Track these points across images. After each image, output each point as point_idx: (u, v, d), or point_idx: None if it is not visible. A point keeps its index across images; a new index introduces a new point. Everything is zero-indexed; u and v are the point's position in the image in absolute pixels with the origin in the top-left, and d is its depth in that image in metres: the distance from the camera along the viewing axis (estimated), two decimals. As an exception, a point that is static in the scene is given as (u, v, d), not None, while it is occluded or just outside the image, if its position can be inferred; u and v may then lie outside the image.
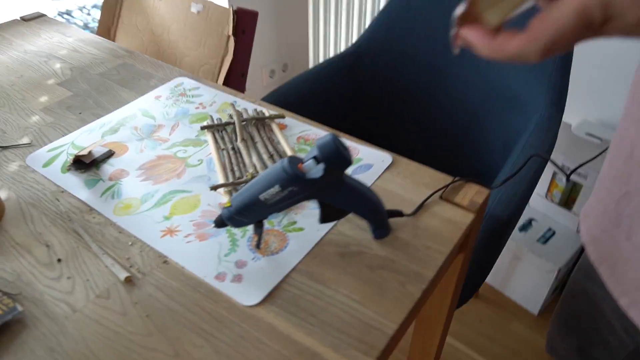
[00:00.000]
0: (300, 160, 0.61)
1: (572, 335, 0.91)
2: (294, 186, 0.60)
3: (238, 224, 0.63)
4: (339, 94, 1.32)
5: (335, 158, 0.58)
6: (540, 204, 1.61)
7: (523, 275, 1.54)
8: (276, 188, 0.60)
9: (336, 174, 0.60)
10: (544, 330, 1.53)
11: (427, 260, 0.65)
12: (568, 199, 1.60)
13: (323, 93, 1.28)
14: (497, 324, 1.55)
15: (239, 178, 0.76)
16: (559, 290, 1.63)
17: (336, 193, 0.63)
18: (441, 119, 1.32)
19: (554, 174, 1.54)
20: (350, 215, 0.71)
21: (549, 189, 1.58)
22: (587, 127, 1.55)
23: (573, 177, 1.50)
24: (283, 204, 0.62)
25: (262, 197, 0.60)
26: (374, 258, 0.66)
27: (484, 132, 1.26)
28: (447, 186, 0.76)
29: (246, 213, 0.62)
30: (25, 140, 0.88)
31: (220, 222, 0.64)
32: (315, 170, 0.59)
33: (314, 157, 0.60)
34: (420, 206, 0.72)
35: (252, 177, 0.75)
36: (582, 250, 1.45)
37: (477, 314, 1.57)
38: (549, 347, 1.00)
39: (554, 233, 1.54)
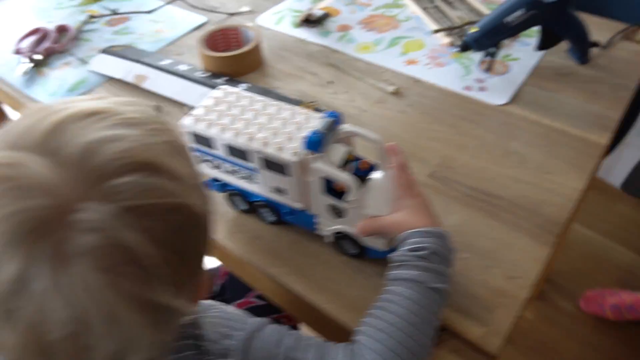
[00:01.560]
0: (537, -10, 0.76)
1: None
2: (535, 9, 0.75)
3: (481, 46, 0.79)
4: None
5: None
6: None
7: (629, 161, 1.68)
8: (520, 11, 0.75)
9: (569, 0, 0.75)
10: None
11: (628, 75, 0.80)
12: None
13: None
14: (600, 204, 1.69)
15: (450, 25, 0.91)
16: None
17: (562, 19, 0.78)
18: None
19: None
20: (553, 49, 0.85)
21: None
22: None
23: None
24: (519, 27, 0.77)
25: (506, 20, 0.76)
26: (583, 77, 0.81)
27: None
28: (628, 27, 0.90)
29: (490, 35, 0.77)
30: (245, 8, 1.03)
31: (465, 46, 0.80)
32: (554, -5, 0.74)
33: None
34: (611, 40, 0.87)
35: (466, 23, 0.90)
36: None
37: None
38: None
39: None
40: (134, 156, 0.33)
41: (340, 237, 0.56)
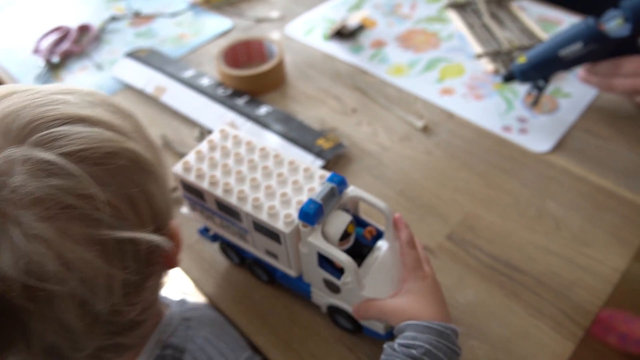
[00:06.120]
0: (599, 21, 0.65)
1: None
2: (596, 44, 0.64)
3: (528, 78, 0.69)
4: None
5: (646, 17, 0.62)
6: None
7: None
8: (578, 44, 0.65)
9: (638, 33, 0.64)
10: None
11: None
12: None
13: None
14: None
15: (497, 49, 0.81)
16: None
17: (626, 53, 0.67)
18: None
19: None
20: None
21: None
22: None
23: None
24: (576, 62, 0.67)
25: (561, 53, 0.66)
26: (646, 122, 0.70)
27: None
28: None
29: (540, 68, 0.68)
30: (274, 14, 0.97)
31: (509, 77, 0.70)
32: (621, 29, 0.63)
33: (616, 17, 0.64)
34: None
35: (515, 47, 0.80)
36: None
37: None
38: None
39: None
40: (63, 112, 0.34)
41: (335, 311, 0.51)
